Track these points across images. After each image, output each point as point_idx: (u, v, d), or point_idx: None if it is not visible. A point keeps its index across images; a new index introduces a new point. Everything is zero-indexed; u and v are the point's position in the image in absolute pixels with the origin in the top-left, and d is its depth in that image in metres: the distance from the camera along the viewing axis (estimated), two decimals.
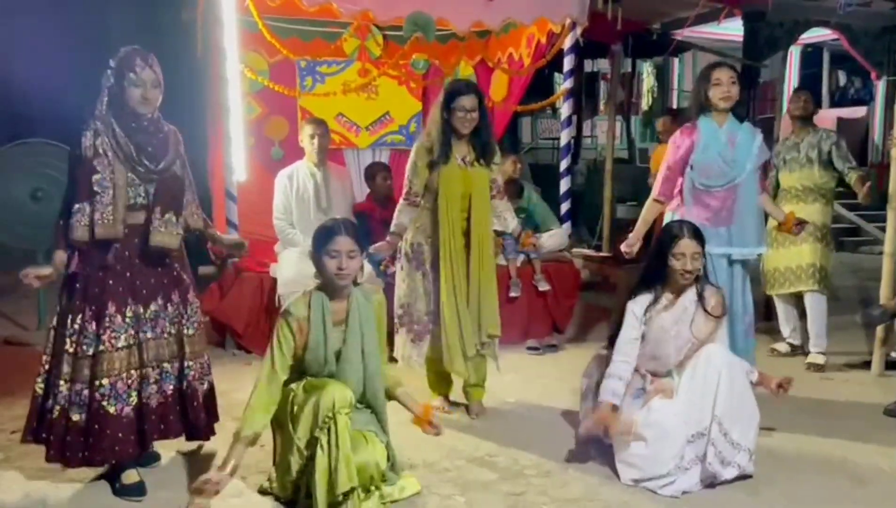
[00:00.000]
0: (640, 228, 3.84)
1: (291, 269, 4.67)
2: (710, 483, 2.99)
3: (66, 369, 2.84)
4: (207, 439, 3.20)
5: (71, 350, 2.85)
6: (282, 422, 2.79)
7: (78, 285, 2.88)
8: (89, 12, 7.55)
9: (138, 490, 2.93)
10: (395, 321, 3.83)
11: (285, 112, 6.07)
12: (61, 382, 2.85)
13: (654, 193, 3.84)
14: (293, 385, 2.79)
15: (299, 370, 2.85)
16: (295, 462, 2.70)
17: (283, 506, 2.82)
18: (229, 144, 5.11)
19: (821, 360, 4.75)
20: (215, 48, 5.08)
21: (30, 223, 5.24)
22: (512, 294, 5.18)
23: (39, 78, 7.05)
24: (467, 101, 3.61)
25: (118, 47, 2.97)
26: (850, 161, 4.78)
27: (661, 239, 3.14)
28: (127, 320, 2.89)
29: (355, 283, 2.89)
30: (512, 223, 4.07)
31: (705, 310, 3.12)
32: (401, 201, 3.84)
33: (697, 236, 3.10)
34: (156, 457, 3.22)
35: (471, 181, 3.71)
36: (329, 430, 2.61)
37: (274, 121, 6.03)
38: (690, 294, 3.14)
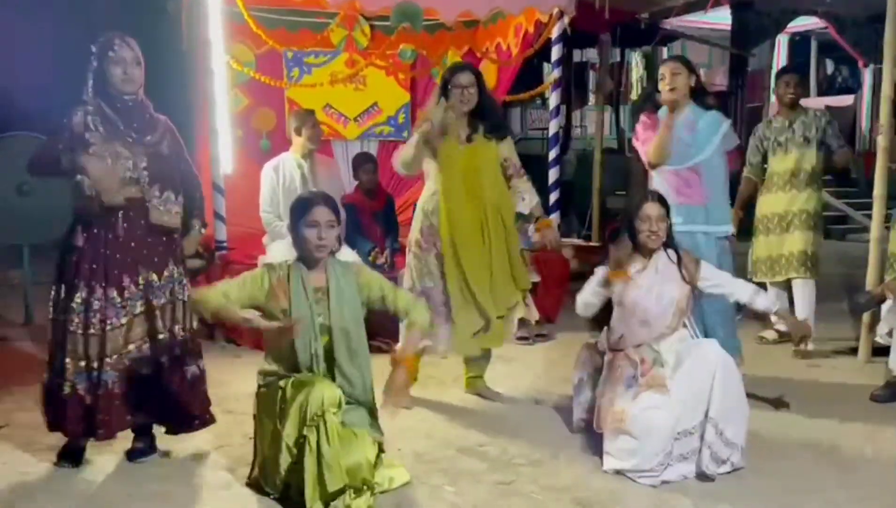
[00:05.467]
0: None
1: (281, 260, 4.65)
2: (703, 477, 2.99)
3: (70, 347, 2.93)
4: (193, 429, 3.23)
5: (74, 329, 2.93)
6: (269, 419, 2.77)
7: (81, 263, 2.96)
8: (74, 4, 7.48)
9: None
10: None
11: (272, 104, 6.04)
12: (68, 360, 2.93)
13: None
14: (281, 382, 2.76)
15: (289, 351, 2.81)
16: (283, 460, 2.68)
17: (272, 501, 2.80)
18: (216, 137, 5.08)
19: (809, 346, 4.77)
20: (201, 40, 5.04)
21: (15, 218, 5.19)
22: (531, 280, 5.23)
23: (24, 71, 6.98)
24: (463, 77, 3.63)
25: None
26: (842, 140, 4.84)
27: (628, 207, 3.27)
28: (132, 291, 2.99)
29: (332, 254, 2.92)
30: (532, 202, 3.89)
31: (682, 276, 3.22)
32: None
33: (661, 200, 3.23)
34: (148, 451, 3.21)
35: (474, 157, 3.67)
36: (318, 429, 2.59)
37: (261, 113, 6.00)
38: (662, 257, 3.23)
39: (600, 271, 3.31)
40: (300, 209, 2.84)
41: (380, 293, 2.96)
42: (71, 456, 3.08)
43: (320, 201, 2.83)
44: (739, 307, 5.33)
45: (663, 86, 3.78)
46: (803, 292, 4.81)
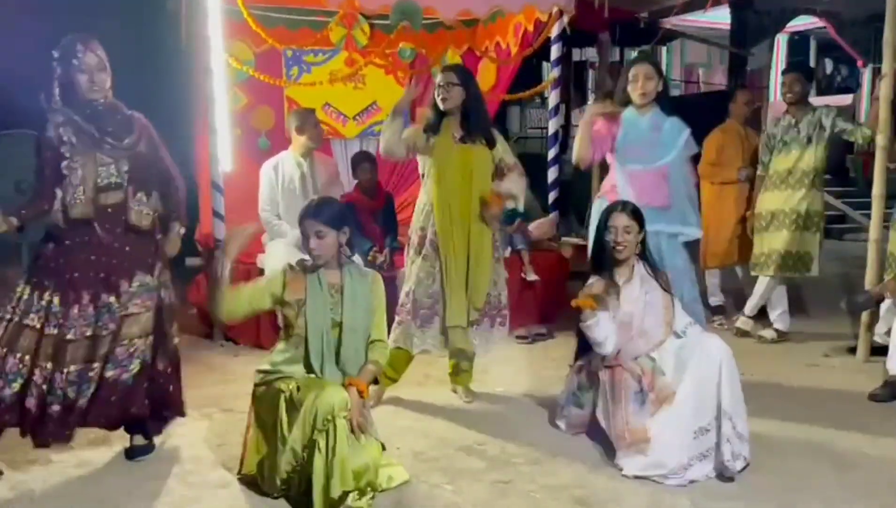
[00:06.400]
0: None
1: (279, 259, 4.64)
2: (723, 477, 2.98)
3: (24, 343, 2.84)
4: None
5: (38, 327, 2.85)
6: (268, 419, 2.78)
7: (51, 266, 2.89)
8: (73, 3, 7.47)
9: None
10: (399, 308, 3.80)
11: (272, 102, 6.03)
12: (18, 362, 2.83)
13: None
14: (282, 385, 2.78)
15: (300, 345, 2.84)
16: (286, 462, 2.68)
17: (271, 501, 2.80)
18: (215, 135, 5.08)
19: (747, 326, 5.01)
20: (200, 38, 5.03)
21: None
22: (529, 278, 5.31)
23: (22, 69, 6.97)
24: (442, 75, 3.71)
25: (101, 38, 2.98)
26: (856, 121, 4.89)
27: (601, 218, 3.27)
28: (104, 301, 2.93)
29: (350, 256, 2.97)
30: (515, 186, 3.85)
31: (661, 285, 3.24)
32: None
33: (634, 213, 3.22)
34: (147, 449, 3.20)
35: (469, 158, 3.71)
36: (328, 433, 2.60)
37: (260, 111, 5.99)
38: (641, 268, 3.25)
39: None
40: (299, 219, 2.89)
41: (373, 311, 2.97)
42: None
43: (307, 214, 2.85)
44: (721, 310, 5.41)
45: (635, 88, 3.74)
46: (759, 286, 4.98)
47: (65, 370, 2.87)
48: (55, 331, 2.86)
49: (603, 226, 3.23)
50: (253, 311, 2.92)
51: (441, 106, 3.70)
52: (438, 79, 3.72)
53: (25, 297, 2.88)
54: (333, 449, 2.59)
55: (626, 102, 3.80)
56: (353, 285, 2.90)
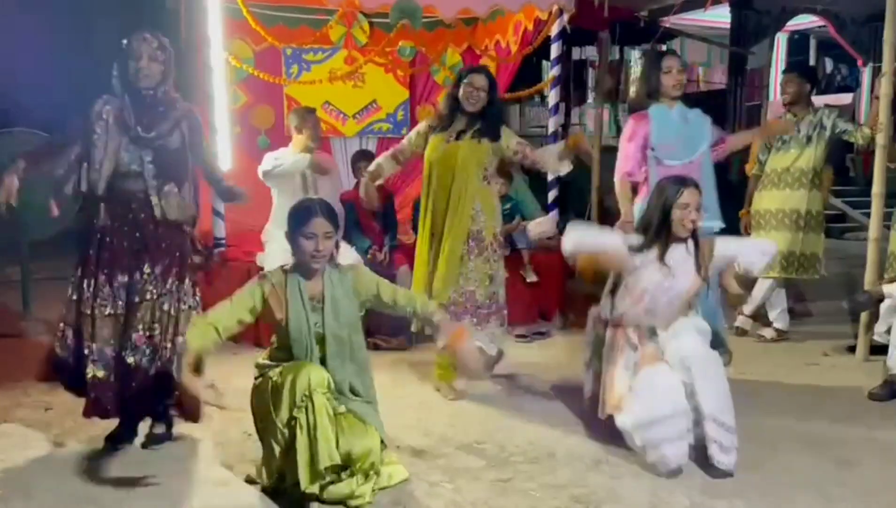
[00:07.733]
0: (628, 207, 3.87)
1: (278, 258, 4.63)
2: (720, 473, 2.98)
3: (89, 329, 3.04)
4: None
5: (88, 313, 3.04)
6: (263, 408, 2.77)
7: (89, 248, 3.07)
8: (73, 3, 7.47)
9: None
10: None
11: (271, 101, 6.04)
12: (87, 341, 3.04)
13: (622, 172, 3.89)
14: (271, 373, 2.78)
15: (287, 354, 2.83)
16: (277, 446, 2.69)
17: (269, 497, 2.80)
18: (214, 134, 5.07)
19: (747, 325, 5.06)
20: (200, 36, 5.03)
21: (13, 212, 5.17)
22: (529, 279, 5.33)
23: (22, 67, 6.98)
24: (477, 78, 3.72)
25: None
26: (856, 122, 4.91)
27: (664, 191, 3.13)
28: (120, 282, 3.07)
29: (332, 259, 2.90)
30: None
31: (697, 261, 3.16)
32: (389, 151, 4.01)
33: (699, 188, 3.14)
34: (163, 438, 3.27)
35: (455, 154, 3.73)
36: (307, 409, 2.61)
37: (260, 110, 6.00)
38: (680, 249, 3.15)
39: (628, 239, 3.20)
40: (299, 219, 2.79)
41: (375, 292, 2.91)
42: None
43: (318, 213, 2.77)
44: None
45: (670, 80, 3.80)
46: (760, 287, 4.99)
47: (92, 345, 3.04)
48: (85, 306, 3.05)
49: (671, 201, 3.07)
50: (232, 331, 2.81)
51: (467, 108, 3.72)
52: (469, 79, 3.72)
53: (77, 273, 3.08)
54: (315, 425, 2.59)
55: (647, 96, 3.85)
56: (333, 292, 2.83)
